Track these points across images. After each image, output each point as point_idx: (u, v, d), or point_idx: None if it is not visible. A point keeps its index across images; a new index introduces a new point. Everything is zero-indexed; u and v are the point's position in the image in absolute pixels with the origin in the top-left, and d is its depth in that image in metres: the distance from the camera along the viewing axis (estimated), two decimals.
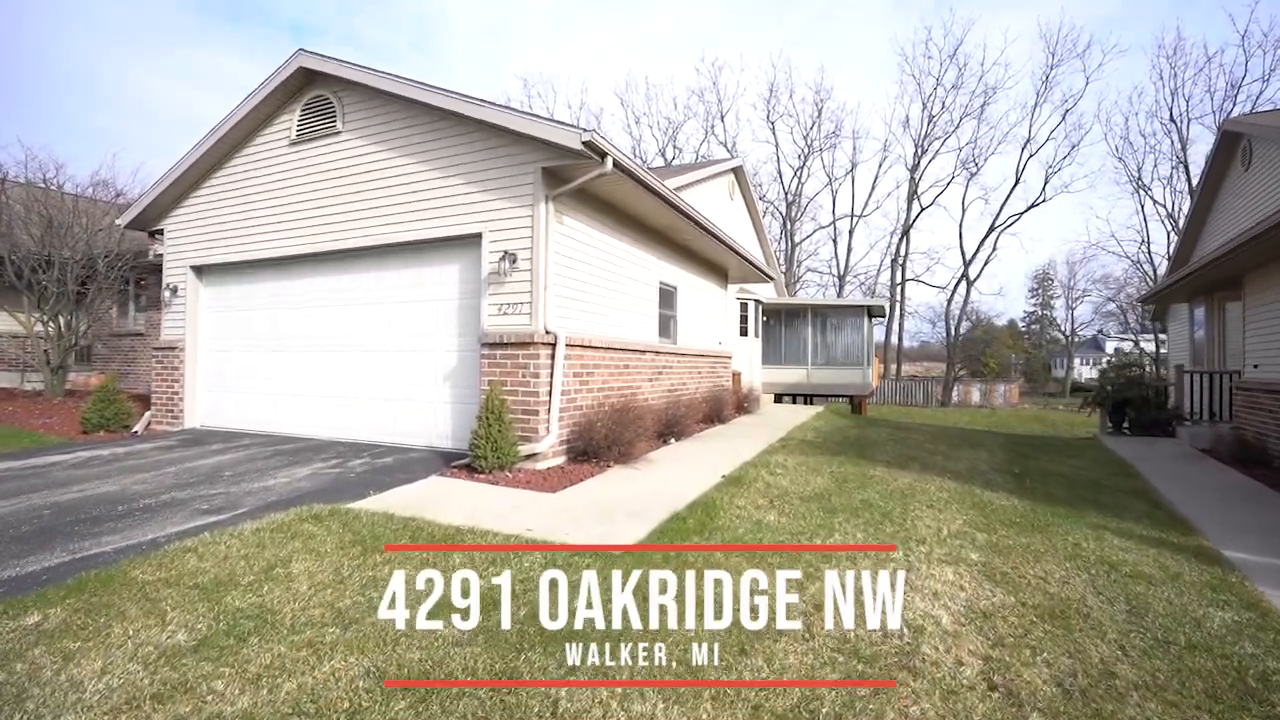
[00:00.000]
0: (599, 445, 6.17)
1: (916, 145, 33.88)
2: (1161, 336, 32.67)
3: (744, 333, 14.56)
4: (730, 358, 12.62)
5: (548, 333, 6.06)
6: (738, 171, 15.04)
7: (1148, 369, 15.97)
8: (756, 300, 14.87)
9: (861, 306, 17.66)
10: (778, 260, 25.92)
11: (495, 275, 6.15)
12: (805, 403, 17.27)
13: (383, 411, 7.24)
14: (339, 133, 7.33)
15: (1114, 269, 53.20)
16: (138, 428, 8.35)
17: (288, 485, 5.19)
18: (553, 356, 6.11)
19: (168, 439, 7.67)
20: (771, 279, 13.87)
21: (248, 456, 6.43)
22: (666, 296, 9.51)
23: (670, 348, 9.42)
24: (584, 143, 5.50)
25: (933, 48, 55.56)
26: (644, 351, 8.39)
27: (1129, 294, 43.65)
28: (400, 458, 6.31)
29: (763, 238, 17.28)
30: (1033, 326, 57.31)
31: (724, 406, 10.11)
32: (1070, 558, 3.96)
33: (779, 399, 17.00)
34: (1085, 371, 57.85)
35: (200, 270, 8.76)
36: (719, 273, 12.10)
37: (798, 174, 35.97)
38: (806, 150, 35.68)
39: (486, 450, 5.52)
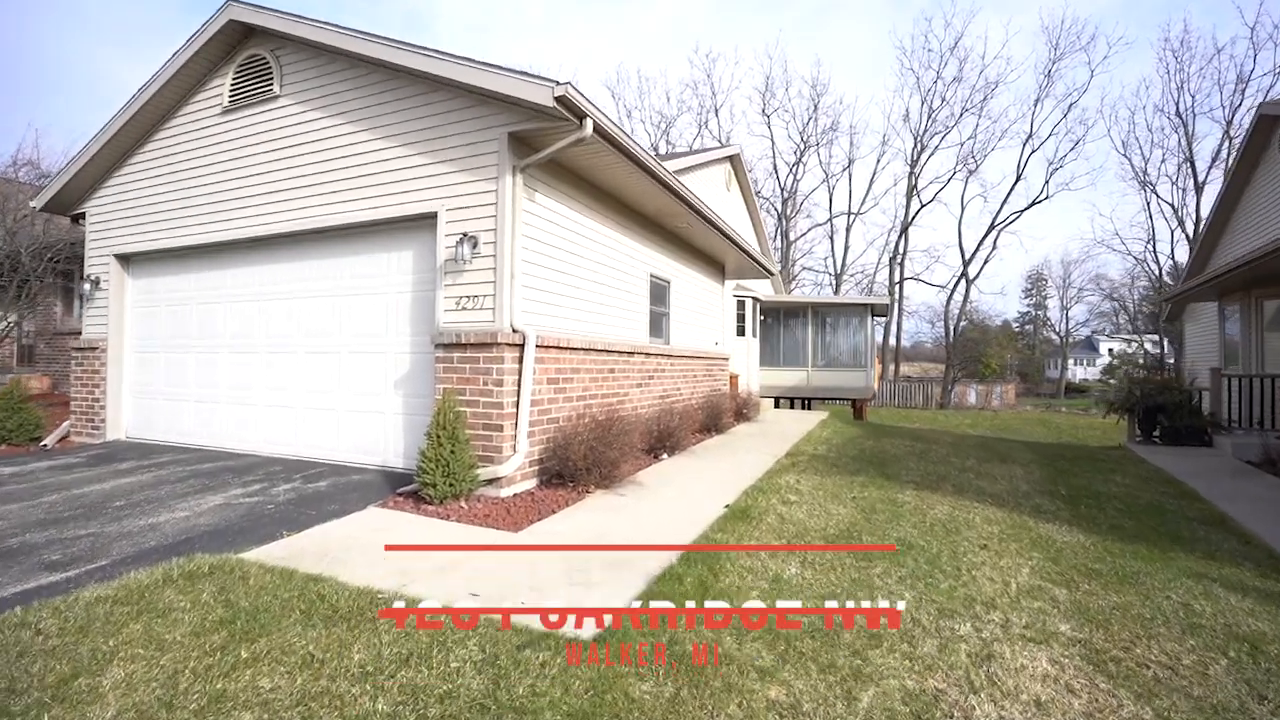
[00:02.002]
0: (577, 466, 5.15)
1: (916, 140, 32.95)
2: (1163, 337, 32.02)
3: (741, 332, 13.56)
4: (728, 359, 11.62)
5: (514, 331, 5.03)
6: (735, 160, 14.01)
7: (1151, 371, 15.20)
8: (755, 298, 13.88)
9: (864, 305, 16.68)
10: (774, 257, 24.94)
11: (452, 262, 5.12)
12: (804, 406, 16.32)
13: (326, 423, 6.19)
14: (276, 97, 6.27)
15: (1110, 269, 52.81)
16: (49, 441, 7.23)
17: (184, 522, 4.14)
18: (520, 360, 5.08)
19: (77, 455, 6.58)
20: (771, 274, 12.88)
21: (156, 480, 5.36)
22: (659, 291, 8.49)
23: (663, 349, 8.40)
24: (556, 98, 4.48)
25: (933, 40, 54.94)
26: (632, 353, 7.37)
27: (1124, 294, 43.16)
28: (338, 481, 5.27)
29: (760, 232, 16.28)
30: (1026, 327, 56.73)
31: (722, 414, 9.11)
32: (1190, 629, 2.99)
33: (778, 403, 16.03)
34: (1079, 372, 57.39)
35: (126, 260, 7.66)
36: (715, 266, 11.10)
37: (793, 170, 34.97)
38: (803, 146, 34.69)
39: (436, 475, 4.49)
